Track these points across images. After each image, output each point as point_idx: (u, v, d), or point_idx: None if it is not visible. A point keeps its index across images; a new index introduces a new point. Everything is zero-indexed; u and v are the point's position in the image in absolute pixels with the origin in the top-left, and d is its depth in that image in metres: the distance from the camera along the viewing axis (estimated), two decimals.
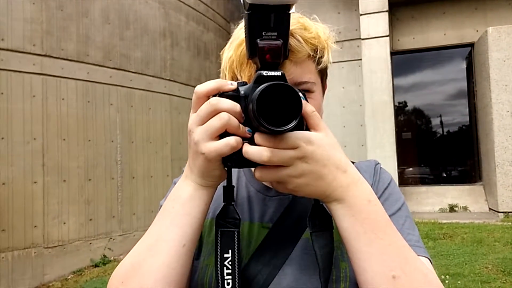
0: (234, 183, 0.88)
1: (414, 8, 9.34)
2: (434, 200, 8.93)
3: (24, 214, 5.62)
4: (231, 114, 0.59)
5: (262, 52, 0.59)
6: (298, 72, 0.77)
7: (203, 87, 0.62)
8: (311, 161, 0.59)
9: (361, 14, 8.43)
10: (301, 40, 0.75)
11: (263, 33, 0.59)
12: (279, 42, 0.59)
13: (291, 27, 0.68)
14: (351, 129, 9.34)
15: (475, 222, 7.47)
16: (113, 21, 7.01)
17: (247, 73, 0.77)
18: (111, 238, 6.72)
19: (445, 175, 10.49)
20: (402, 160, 9.23)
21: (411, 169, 10.39)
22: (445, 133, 10.85)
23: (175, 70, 8.29)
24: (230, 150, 0.59)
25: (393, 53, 9.13)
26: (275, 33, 0.59)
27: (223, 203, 0.69)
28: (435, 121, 10.84)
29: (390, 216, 0.73)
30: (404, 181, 9.77)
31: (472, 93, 9.42)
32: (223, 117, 0.59)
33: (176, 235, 0.64)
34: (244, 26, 0.62)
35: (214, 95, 0.62)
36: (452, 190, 9.04)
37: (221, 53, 0.85)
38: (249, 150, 0.58)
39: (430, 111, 10.86)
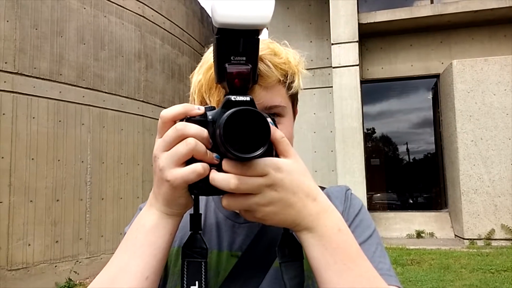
0: (202, 209, 0.86)
1: (383, 39, 9.76)
2: (401, 226, 9.13)
3: None
4: (198, 140, 0.57)
5: (230, 77, 0.58)
6: (268, 96, 0.76)
7: (169, 112, 0.60)
8: (280, 188, 0.58)
9: (332, 44, 8.72)
10: (271, 65, 0.75)
11: (232, 58, 0.58)
12: (248, 67, 0.59)
13: (260, 52, 0.68)
14: (322, 155, 9.51)
15: (442, 248, 7.67)
16: (88, 41, 7.00)
17: (216, 98, 0.76)
18: (77, 261, 6.52)
19: (411, 201, 10.76)
20: (371, 186, 9.43)
21: (379, 194, 10.61)
22: (411, 160, 11.19)
23: (148, 91, 8.30)
24: (196, 177, 0.57)
25: (362, 82, 9.45)
26: (244, 58, 0.59)
27: (190, 232, 0.67)
28: (402, 148, 11.19)
29: (361, 243, 0.73)
30: (372, 206, 9.97)
31: (438, 122, 9.82)
32: (190, 143, 0.57)
33: (138, 266, 0.61)
34: (213, 50, 0.61)
35: (181, 120, 0.60)
36: (419, 216, 9.28)
37: (190, 76, 0.84)
38: (216, 177, 0.56)
39: (397, 138, 11.22)
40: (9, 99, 5.80)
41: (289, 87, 0.80)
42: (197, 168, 0.57)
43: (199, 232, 0.67)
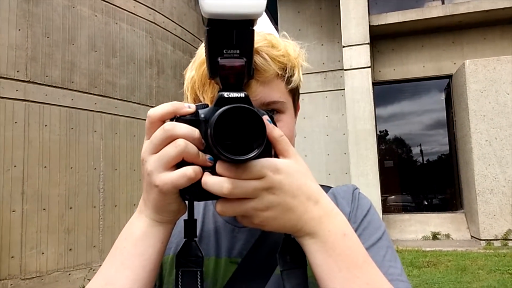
0: (200, 213, 0.82)
1: (394, 41, 9.67)
2: (417, 228, 8.99)
3: (1, 244, 5.41)
4: (189, 141, 0.53)
5: (223, 72, 0.54)
6: (266, 92, 0.72)
7: (156, 111, 0.56)
8: (279, 192, 0.53)
9: (343, 46, 8.67)
10: (268, 58, 0.70)
11: (225, 51, 0.54)
12: (242, 61, 0.54)
13: (256, 45, 0.65)
14: (335, 157, 9.43)
15: (458, 250, 7.54)
16: (100, 49, 7.02)
17: (209, 95, 0.72)
18: (91, 269, 6.50)
19: (426, 203, 10.62)
20: (385, 188, 9.32)
21: (393, 197, 10.50)
22: (425, 162, 11.05)
23: (160, 97, 8.30)
24: (187, 181, 0.52)
25: (374, 84, 9.36)
26: (238, 51, 0.54)
27: (184, 239, 0.63)
28: (416, 150, 11.06)
29: (370, 246, 0.70)
30: (387, 209, 9.84)
31: (451, 122, 9.69)
32: (179, 144, 0.52)
33: (127, 279, 0.57)
34: (204, 43, 0.57)
35: (171, 120, 0.56)
36: (434, 218, 9.14)
37: (184, 73, 0.80)
38: (209, 181, 0.52)
39: (411, 140, 11.09)
40: (21, 108, 5.82)
41: (288, 81, 0.75)
42: (188, 171, 0.52)
43: (194, 239, 0.63)
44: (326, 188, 0.85)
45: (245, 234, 0.77)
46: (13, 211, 5.58)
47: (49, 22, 6.21)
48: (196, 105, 0.57)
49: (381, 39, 9.55)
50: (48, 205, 5.99)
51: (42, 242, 5.88)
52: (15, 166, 5.66)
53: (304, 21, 10.27)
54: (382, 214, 8.76)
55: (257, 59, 0.69)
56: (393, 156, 11.14)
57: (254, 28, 0.55)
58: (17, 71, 5.80)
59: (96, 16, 6.98)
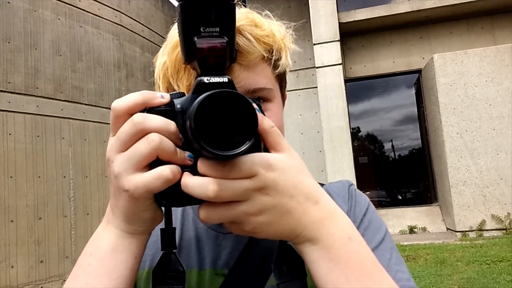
0: (178, 219, 0.73)
1: (363, 37, 9.77)
2: (394, 222, 9.09)
3: None
4: (164, 135, 0.45)
5: (201, 53, 0.46)
6: (251, 77, 0.63)
7: (122, 102, 0.47)
8: (273, 192, 0.46)
9: (314, 44, 8.68)
10: (251, 39, 0.61)
11: (202, 29, 0.47)
12: (223, 40, 0.47)
13: (238, 23, 0.57)
14: (311, 155, 9.44)
15: (435, 242, 7.64)
16: (65, 53, 6.80)
17: (185, 82, 0.62)
18: (64, 280, 6.27)
19: (401, 197, 10.77)
20: (360, 184, 9.38)
21: (368, 192, 10.59)
22: (398, 157, 11.22)
23: None
24: (163, 184, 0.44)
25: (346, 81, 9.43)
26: (217, 29, 0.47)
27: (161, 251, 0.54)
28: (388, 146, 11.22)
29: (373, 249, 0.62)
30: None
31: (422, 117, 9.85)
32: (153, 140, 0.44)
33: None
34: (177, 22, 0.49)
35: (142, 112, 0.47)
36: (410, 212, 9.26)
37: (154, 60, 0.71)
38: (190, 183, 0.44)
39: (383, 136, 11.24)
40: None
41: (275, 65, 0.66)
42: (164, 172, 0.44)
43: (174, 251, 0.53)
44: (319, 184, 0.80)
45: (231, 241, 0.68)
46: None
47: (10, 26, 5.97)
48: (170, 94, 0.49)
49: (351, 36, 9.64)
50: (15, 217, 5.75)
51: (11, 255, 5.64)
52: None
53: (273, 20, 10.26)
54: None
55: (240, 39, 0.60)
56: (367, 152, 11.26)
57: (235, 2, 0.48)
58: None
59: (59, 19, 6.76)
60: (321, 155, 9.06)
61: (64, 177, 6.54)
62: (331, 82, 8.54)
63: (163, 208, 0.52)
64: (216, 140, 0.41)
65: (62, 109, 6.63)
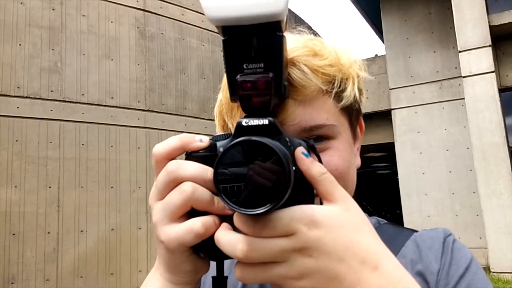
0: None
1: None
2: None
3: (130, 258, 5.87)
4: (199, 184, 0.42)
5: (242, 92, 0.43)
6: (308, 113, 0.56)
7: (161, 147, 0.46)
8: (317, 253, 0.39)
9: (460, 51, 7.93)
10: (307, 71, 0.54)
11: (245, 66, 0.43)
12: (267, 76, 0.43)
13: (292, 54, 0.53)
14: (459, 174, 8.52)
15: None
16: (208, 76, 7.44)
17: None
18: None
19: None
20: None
21: None
22: None
23: None
24: (194, 238, 0.42)
25: (501, 90, 8.34)
26: (261, 64, 0.43)
27: None
28: None
29: None
30: None
31: None
32: (184, 190, 0.42)
33: None
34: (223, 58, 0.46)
35: (186, 156, 0.46)
36: None
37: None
38: (221, 239, 0.41)
39: None
40: (143, 134, 6.36)
41: (339, 98, 0.58)
42: (195, 226, 0.42)
43: None
44: (408, 233, 0.66)
45: None
46: (139, 228, 6.04)
47: (163, 55, 6.77)
48: (215, 137, 0.47)
49: (506, 39, 8.53)
50: None
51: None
52: (139, 187, 6.16)
53: (411, 29, 9.71)
54: None
55: (293, 72, 0.54)
56: None
57: (283, 33, 0.43)
58: (138, 102, 6.38)
59: (203, 45, 7.44)
60: (471, 175, 8.11)
61: None
62: (481, 92, 7.66)
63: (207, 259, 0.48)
64: (240, 196, 0.38)
65: (206, 127, 7.21)
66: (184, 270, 0.46)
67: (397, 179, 9.50)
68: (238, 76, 0.43)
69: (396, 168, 9.53)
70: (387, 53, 9.98)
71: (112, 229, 5.82)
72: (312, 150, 0.46)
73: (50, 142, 5.62)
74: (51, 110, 5.64)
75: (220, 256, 0.43)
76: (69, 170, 5.72)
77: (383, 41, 10.45)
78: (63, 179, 5.67)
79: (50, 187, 5.57)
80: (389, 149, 10.11)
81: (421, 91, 8.92)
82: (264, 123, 0.43)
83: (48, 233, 5.49)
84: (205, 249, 0.45)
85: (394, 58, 9.77)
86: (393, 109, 9.64)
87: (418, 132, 8.98)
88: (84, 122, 5.91)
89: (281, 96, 0.45)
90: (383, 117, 9.83)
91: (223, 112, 0.61)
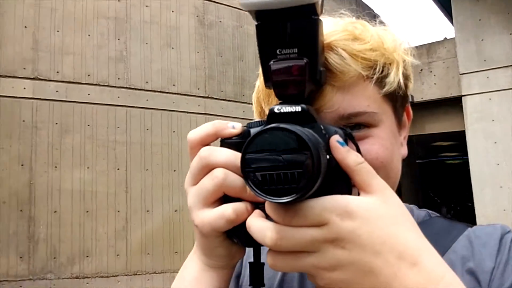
0: None
1: None
2: None
3: (192, 238, 6.09)
4: (232, 170, 0.43)
5: (276, 79, 0.42)
6: (346, 100, 0.53)
7: (195, 134, 0.47)
8: (351, 245, 0.38)
9: None
10: (346, 56, 0.52)
11: (278, 51, 0.42)
12: (301, 62, 0.42)
13: (329, 38, 0.51)
14: None
15: None
16: None
17: None
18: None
19: None
20: None
21: None
22: None
23: None
24: (226, 224, 0.43)
25: None
26: (295, 49, 0.42)
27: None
28: None
29: None
30: None
31: None
32: (216, 176, 0.43)
33: None
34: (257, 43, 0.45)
35: (221, 143, 0.46)
36: None
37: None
38: (252, 226, 0.41)
39: None
40: (203, 120, 6.56)
41: (381, 84, 0.55)
42: (226, 212, 0.43)
43: None
44: (461, 227, 0.62)
45: None
46: (175, 211, 6.23)
47: (222, 42, 6.96)
48: (249, 123, 0.48)
49: None
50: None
51: None
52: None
53: (484, 10, 9.02)
54: None
55: (330, 57, 0.52)
56: None
57: (319, 16, 0.42)
58: (198, 89, 6.62)
59: None
60: None
61: None
62: None
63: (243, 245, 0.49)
64: (263, 184, 0.37)
65: None
66: (218, 255, 0.48)
67: (468, 169, 8.93)
68: (272, 62, 0.43)
69: (467, 158, 8.95)
70: (457, 36, 9.36)
71: (176, 210, 6.09)
72: (350, 138, 0.45)
73: (118, 127, 6.01)
74: (118, 97, 6.03)
75: (252, 242, 0.43)
76: (135, 154, 6.08)
77: (452, 23, 9.84)
78: (130, 162, 6.04)
79: (118, 169, 5.95)
80: (459, 138, 9.51)
81: (496, 76, 8.27)
82: (297, 110, 0.42)
83: (118, 211, 5.87)
84: (238, 235, 0.45)
85: (465, 41, 9.14)
86: (464, 95, 9.05)
87: (493, 120, 8.34)
88: (148, 109, 6.24)
89: (317, 82, 0.44)
90: (453, 104, 9.27)
91: (260, 99, 0.61)
